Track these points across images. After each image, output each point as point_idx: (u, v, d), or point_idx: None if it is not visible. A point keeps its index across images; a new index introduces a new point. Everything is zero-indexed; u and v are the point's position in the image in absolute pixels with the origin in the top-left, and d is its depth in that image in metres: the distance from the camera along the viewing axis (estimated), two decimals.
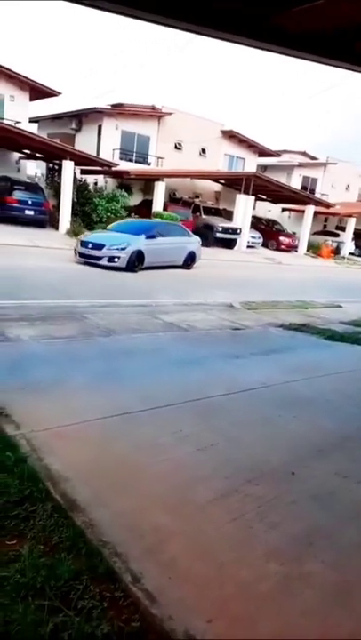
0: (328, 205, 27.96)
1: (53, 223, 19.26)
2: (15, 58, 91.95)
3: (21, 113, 21.56)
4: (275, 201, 29.30)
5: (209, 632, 1.89)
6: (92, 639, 1.80)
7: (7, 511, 2.40)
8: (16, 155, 22.04)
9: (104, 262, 11.91)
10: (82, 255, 12.44)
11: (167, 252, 13.57)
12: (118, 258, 11.96)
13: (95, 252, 12.08)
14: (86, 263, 12.32)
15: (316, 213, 27.87)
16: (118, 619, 1.90)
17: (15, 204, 17.90)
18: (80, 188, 20.40)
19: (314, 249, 28.21)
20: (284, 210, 31.58)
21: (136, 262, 12.26)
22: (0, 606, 1.88)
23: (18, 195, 18.04)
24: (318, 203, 27.67)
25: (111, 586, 2.05)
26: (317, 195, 31.18)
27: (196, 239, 15.43)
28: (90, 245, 12.23)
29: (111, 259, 11.96)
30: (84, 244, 12.49)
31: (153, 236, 12.99)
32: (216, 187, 28.49)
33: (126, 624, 1.88)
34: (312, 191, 31.90)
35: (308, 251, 27.90)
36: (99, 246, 12.09)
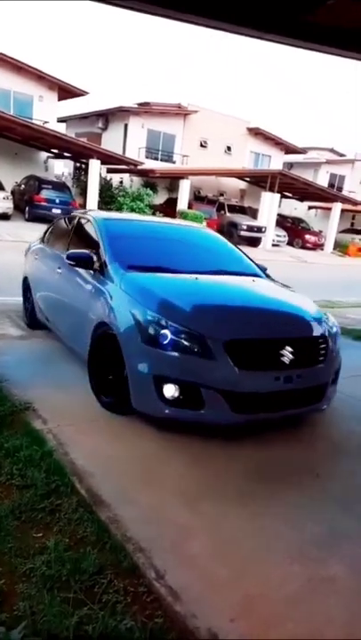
0: (356, 203, 27.45)
1: None
2: (43, 57, 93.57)
3: (50, 113, 21.94)
4: (301, 199, 28.95)
5: (233, 632, 1.89)
6: (115, 633, 1.82)
7: (34, 504, 2.45)
8: (44, 154, 22.40)
9: None
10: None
11: None
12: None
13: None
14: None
15: (343, 211, 27.39)
16: (142, 614, 1.92)
17: (43, 203, 18.22)
18: (104, 186, 20.58)
19: (341, 247, 27.75)
20: (310, 208, 31.16)
21: None
22: (27, 597, 1.92)
23: (45, 193, 18.39)
24: (346, 200, 27.21)
25: (135, 581, 2.07)
26: (345, 192, 30.64)
27: None
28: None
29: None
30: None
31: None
32: (241, 184, 28.33)
33: (149, 619, 1.89)
34: (340, 189, 31.37)
35: (334, 249, 27.47)
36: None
